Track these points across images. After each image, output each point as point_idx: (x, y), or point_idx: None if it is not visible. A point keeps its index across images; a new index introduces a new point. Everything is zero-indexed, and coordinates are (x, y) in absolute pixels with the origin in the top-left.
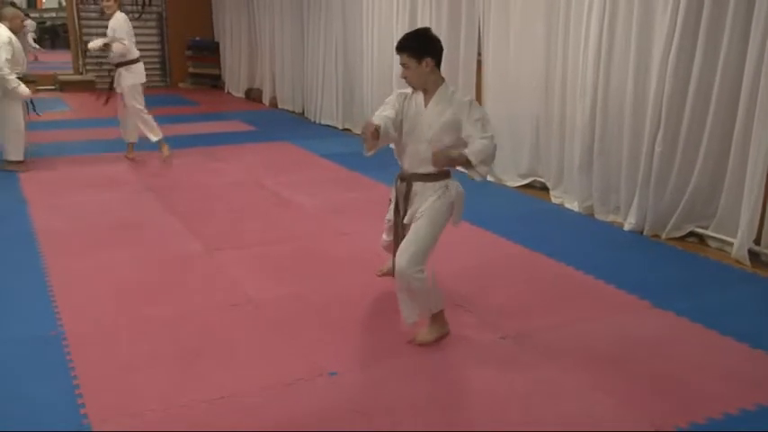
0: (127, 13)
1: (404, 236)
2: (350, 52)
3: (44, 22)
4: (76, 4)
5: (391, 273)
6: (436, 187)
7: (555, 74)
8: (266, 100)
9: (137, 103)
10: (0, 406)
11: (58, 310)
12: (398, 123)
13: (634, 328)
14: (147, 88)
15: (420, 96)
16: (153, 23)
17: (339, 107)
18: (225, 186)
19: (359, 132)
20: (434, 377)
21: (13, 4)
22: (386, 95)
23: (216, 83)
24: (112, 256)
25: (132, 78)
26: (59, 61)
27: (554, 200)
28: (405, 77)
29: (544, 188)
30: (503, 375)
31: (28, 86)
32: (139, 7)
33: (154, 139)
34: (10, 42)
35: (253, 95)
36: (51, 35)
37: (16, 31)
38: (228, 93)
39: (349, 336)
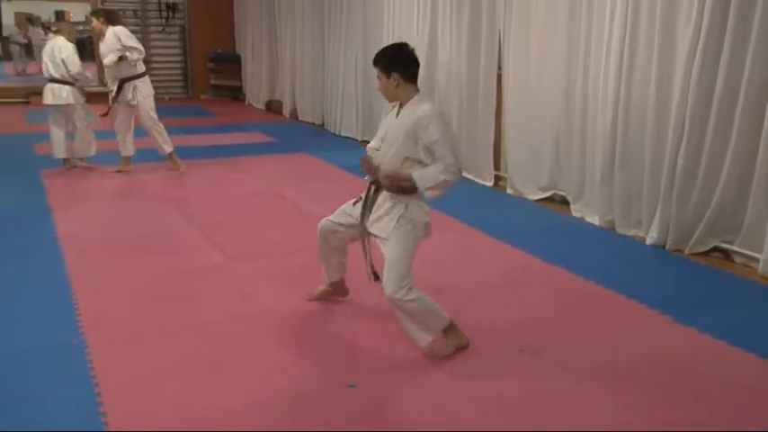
0: (151, 26)
1: (364, 235)
2: (370, 65)
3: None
4: None
5: (324, 296)
6: (395, 202)
7: (576, 86)
8: (286, 112)
9: (154, 113)
10: (23, 411)
11: (80, 318)
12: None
13: (655, 344)
14: (170, 99)
15: (397, 108)
16: (176, 36)
17: (359, 119)
18: (245, 197)
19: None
20: (452, 389)
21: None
22: None
23: (237, 94)
24: (134, 265)
25: (147, 90)
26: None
27: (574, 213)
28: (379, 89)
29: (564, 201)
30: (519, 387)
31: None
32: (163, 20)
33: (168, 150)
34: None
35: (273, 107)
36: (78, 48)
37: (71, 42)
38: (249, 104)
39: (367, 347)
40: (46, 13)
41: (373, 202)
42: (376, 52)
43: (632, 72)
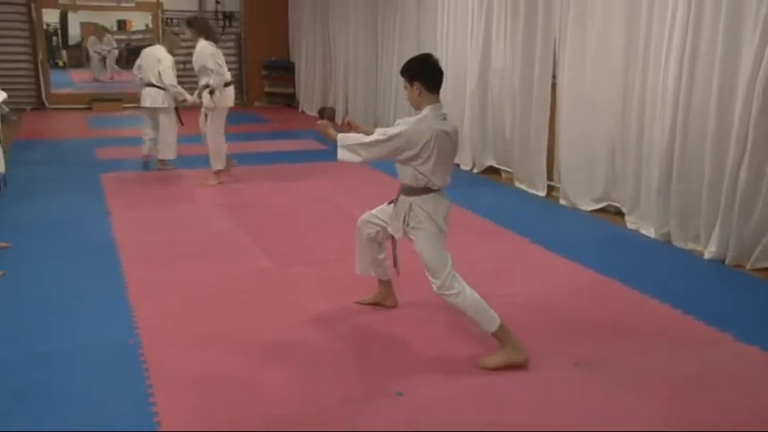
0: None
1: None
2: None
3: (129, 43)
4: (162, 27)
5: (372, 304)
6: (403, 201)
7: (632, 94)
8: (339, 119)
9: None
10: (79, 407)
11: (135, 320)
12: None
13: (715, 362)
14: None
15: None
16: (232, 44)
17: None
18: (296, 204)
19: None
20: (504, 401)
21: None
22: (458, 116)
23: (290, 102)
24: (187, 269)
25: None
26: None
27: (629, 225)
28: (407, 98)
29: (619, 213)
30: (577, 403)
31: (109, 105)
32: (220, 29)
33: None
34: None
35: (326, 114)
36: (137, 56)
37: (171, 54)
38: (302, 112)
39: (416, 355)
40: (108, 22)
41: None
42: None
43: (692, 80)
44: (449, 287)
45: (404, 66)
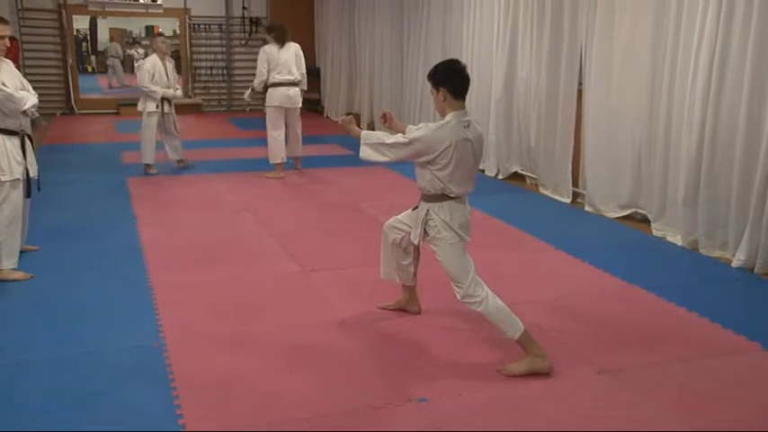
0: (234, 39)
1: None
2: None
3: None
4: (189, 32)
5: (396, 309)
6: (421, 207)
7: (660, 102)
8: (364, 125)
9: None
10: (105, 408)
11: (160, 322)
12: None
13: (742, 372)
14: (250, 111)
15: None
16: (258, 50)
17: None
18: (321, 208)
19: None
20: (527, 409)
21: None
22: (483, 123)
23: (315, 107)
24: (212, 273)
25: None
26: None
27: (655, 232)
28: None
29: (645, 220)
30: (600, 413)
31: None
32: (246, 35)
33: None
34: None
35: None
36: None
37: (162, 56)
38: (327, 117)
39: (440, 362)
40: (137, 27)
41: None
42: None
43: (721, 87)
44: (472, 295)
45: (431, 71)
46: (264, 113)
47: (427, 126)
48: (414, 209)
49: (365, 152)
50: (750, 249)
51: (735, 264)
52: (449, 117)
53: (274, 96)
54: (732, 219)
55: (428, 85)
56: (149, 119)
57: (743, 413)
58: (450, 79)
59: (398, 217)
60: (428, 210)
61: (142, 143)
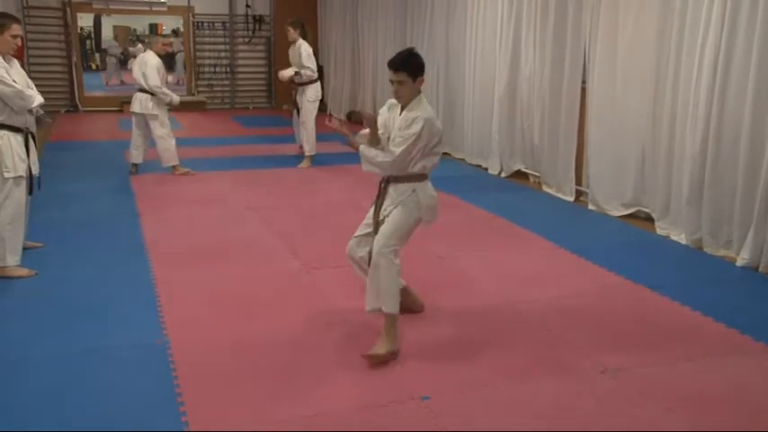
0: (238, 37)
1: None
2: (451, 78)
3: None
4: (193, 31)
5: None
6: (403, 189)
7: (664, 100)
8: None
9: (311, 116)
10: (107, 406)
11: (164, 320)
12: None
13: (746, 371)
14: (254, 109)
15: (398, 107)
16: (261, 47)
17: None
18: (324, 206)
19: (459, 157)
20: (530, 408)
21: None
22: (486, 120)
23: (318, 105)
24: (215, 271)
25: (313, 95)
26: (172, 83)
27: (659, 231)
28: (396, 92)
29: (649, 219)
30: (601, 411)
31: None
32: (250, 32)
33: (307, 151)
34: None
35: (354, 118)
36: (169, 59)
37: (161, 55)
38: (330, 115)
39: (443, 360)
40: (141, 25)
41: (382, 198)
42: (394, 56)
43: (726, 85)
44: (394, 255)
45: (403, 60)
46: (272, 111)
47: (418, 123)
48: (377, 202)
49: (364, 166)
50: (755, 248)
51: (739, 263)
52: (427, 105)
53: (318, 90)
54: (737, 217)
55: (430, 84)
56: (166, 118)
57: (747, 413)
58: (423, 67)
59: (354, 236)
60: (415, 188)
61: (167, 145)
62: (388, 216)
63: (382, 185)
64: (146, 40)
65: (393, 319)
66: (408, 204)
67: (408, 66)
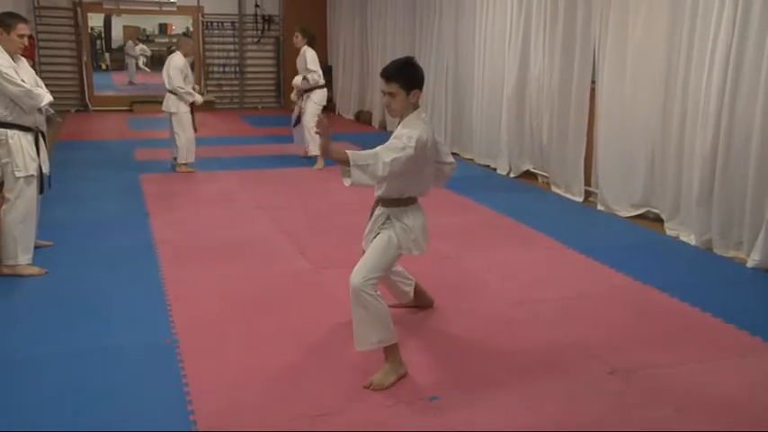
0: (247, 37)
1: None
2: (460, 78)
3: (170, 47)
4: (202, 31)
5: (409, 305)
6: (386, 213)
7: (674, 100)
8: (375, 123)
9: (313, 119)
10: (115, 405)
11: (172, 320)
12: None
13: (757, 372)
14: (263, 108)
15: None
16: (270, 47)
17: (447, 132)
18: (333, 206)
19: (468, 157)
20: (539, 409)
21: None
22: (495, 120)
23: (327, 105)
24: (224, 270)
25: (318, 99)
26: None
27: (669, 232)
28: (387, 105)
29: (658, 219)
30: (611, 414)
31: (149, 107)
32: (259, 32)
33: (313, 153)
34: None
35: (362, 118)
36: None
37: (186, 57)
38: (339, 115)
39: (452, 361)
40: (151, 25)
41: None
42: (388, 64)
43: (737, 85)
44: (372, 287)
45: (396, 71)
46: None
47: (409, 134)
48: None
49: (356, 176)
50: (765, 249)
51: (750, 264)
52: (422, 115)
53: (324, 95)
54: (747, 218)
55: (441, 81)
56: (186, 117)
57: (757, 415)
58: (422, 80)
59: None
60: (402, 216)
61: (184, 142)
62: (371, 242)
63: (375, 205)
64: (175, 41)
65: (394, 347)
66: (390, 230)
67: (401, 76)
